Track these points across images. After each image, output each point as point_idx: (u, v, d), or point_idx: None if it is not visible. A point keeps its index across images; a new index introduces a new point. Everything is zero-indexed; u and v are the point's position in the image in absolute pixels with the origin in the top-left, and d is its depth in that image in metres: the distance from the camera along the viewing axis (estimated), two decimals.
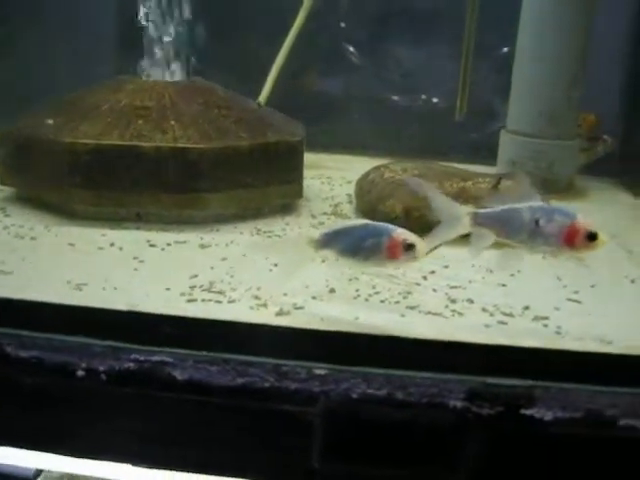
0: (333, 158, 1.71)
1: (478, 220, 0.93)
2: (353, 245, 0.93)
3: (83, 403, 0.90)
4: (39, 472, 1.64)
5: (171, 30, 1.38)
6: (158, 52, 1.38)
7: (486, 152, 1.69)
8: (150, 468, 0.92)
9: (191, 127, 1.25)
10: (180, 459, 0.90)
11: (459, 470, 0.86)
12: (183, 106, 1.29)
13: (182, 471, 0.91)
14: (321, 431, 0.86)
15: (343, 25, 2.01)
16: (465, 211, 0.94)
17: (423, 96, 1.97)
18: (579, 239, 0.88)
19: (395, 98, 1.99)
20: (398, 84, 1.99)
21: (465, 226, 0.94)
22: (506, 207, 0.92)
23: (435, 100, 1.94)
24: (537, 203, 0.91)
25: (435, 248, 0.97)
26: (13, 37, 1.92)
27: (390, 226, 0.92)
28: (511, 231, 0.92)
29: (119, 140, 1.22)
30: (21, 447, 0.95)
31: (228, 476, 0.91)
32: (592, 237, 0.88)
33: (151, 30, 1.37)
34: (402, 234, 0.91)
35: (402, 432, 0.86)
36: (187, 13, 1.38)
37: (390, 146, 1.84)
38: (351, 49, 2.01)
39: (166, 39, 1.37)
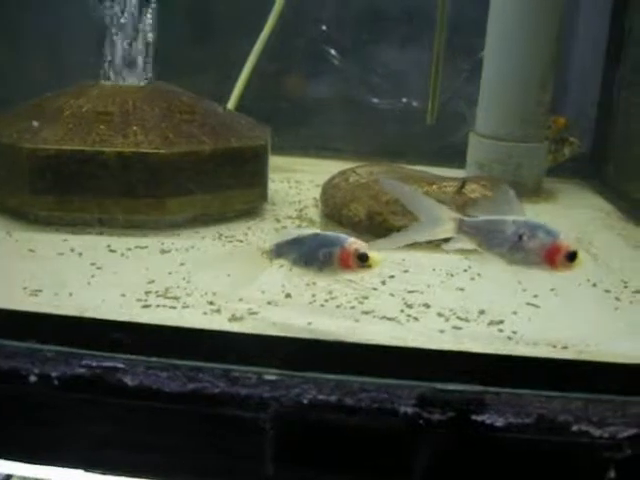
0: (305, 162, 1.71)
1: (463, 227, 0.93)
2: (306, 255, 0.93)
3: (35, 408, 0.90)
4: (8, 477, 1.63)
5: (135, 32, 1.37)
6: (122, 56, 1.37)
7: (456, 155, 1.70)
8: (103, 474, 0.92)
9: (153, 132, 1.25)
10: (132, 465, 0.90)
11: (411, 476, 0.86)
12: (146, 111, 1.28)
13: (134, 477, 0.91)
14: (273, 436, 0.86)
15: (324, 28, 2.01)
16: (451, 216, 0.93)
17: (404, 99, 1.98)
18: (560, 258, 0.88)
19: (371, 101, 1.99)
20: (375, 87, 1.99)
21: (448, 231, 0.94)
22: (491, 218, 0.92)
23: (409, 103, 1.94)
24: (522, 217, 0.91)
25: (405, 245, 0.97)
26: None
27: (342, 236, 0.92)
28: (493, 243, 0.92)
29: (81, 145, 1.21)
30: None
31: None
32: (572, 257, 0.88)
33: (115, 33, 1.36)
34: (353, 244, 0.91)
35: (353, 438, 0.86)
36: (150, 15, 1.37)
37: (362, 149, 1.85)
38: (332, 52, 2.02)
39: (130, 42, 1.37)
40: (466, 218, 0.93)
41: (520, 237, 0.90)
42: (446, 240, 0.96)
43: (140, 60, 1.38)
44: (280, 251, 0.94)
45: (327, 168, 1.64)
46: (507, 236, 0.90)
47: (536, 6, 1.54)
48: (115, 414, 0.88)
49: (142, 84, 1.39)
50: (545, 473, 0.86)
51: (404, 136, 1.88)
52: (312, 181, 1.62)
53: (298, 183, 1.61)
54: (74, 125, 1.25)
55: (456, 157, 1.70)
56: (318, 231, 0.95)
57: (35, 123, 1.26)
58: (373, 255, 0.91)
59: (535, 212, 1.44)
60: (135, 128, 1.25)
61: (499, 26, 1.57)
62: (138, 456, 0.90)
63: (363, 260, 0.90)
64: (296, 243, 0.94)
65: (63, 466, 0.93)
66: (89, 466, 0.92)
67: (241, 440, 0.87)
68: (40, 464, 0.94)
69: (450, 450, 0.87)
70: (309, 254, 0.92)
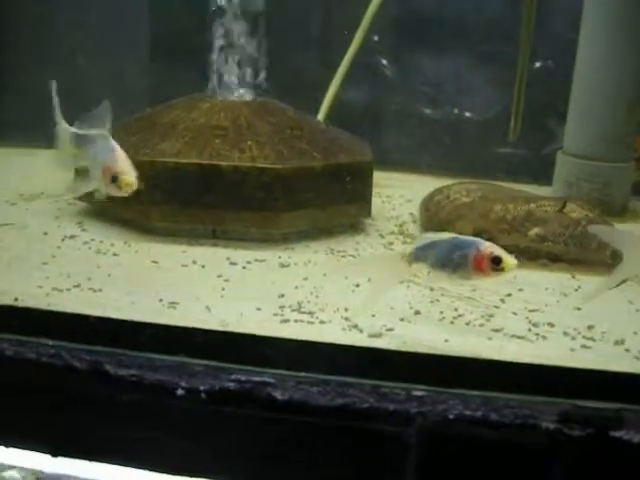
0: (388, 176, 1.72)
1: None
2: (442, 258, 0.95)
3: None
4: None
5: (242, 48, 1.40)
6: (230, 70, 1.40)
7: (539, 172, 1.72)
8: None
9: (267, 147, 1.27)
10: (278, 477, 0.92)
11: None
12: (258, 126, 1.31)
13: None
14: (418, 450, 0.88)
15: (376, 39, 2.02)
16: None
17: (468, 114, 1.99)
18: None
19: (437, 113, 2.01)
20: (440, 98, 2.01)
21: None
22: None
23: (479, 115, 1.96)
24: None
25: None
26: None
27: (479, 240, 0.94)
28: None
29: (198, 159, 1.24)
30: (120, 464, 0.97)
31: None
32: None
33: (222, 48, 1.39)
34: (489, 247, 0.93)
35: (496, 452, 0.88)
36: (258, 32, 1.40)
37: (437, 163, 1.86)
38: (384, 62, 2.03)
39: (237, 57, 1.40)
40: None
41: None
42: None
43: (247, 75, 1.41)
44: (419, 255, 0.97)
45: (411, 183, 1.68)
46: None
47: (627, 26, 1.56)
48: (264, 428, 0.90)
49: (249, 99, 1.41)
50: None
51: (482, 151, 1.90)
52: (402, 196, 1.64)
53: (390, 198, 1.64)
54: (190, 139, 1.28)
55: (538, 174, 1.72)
56: (456, 235, 0.97)
57: (151, 136, 1.29)
58: (507, 259, 0.93)
59: None
60: (250, 143, 1.28)
61: (590, 45, 1.59)
62: (284, 469, 0.92)
63: (497, 263, 0.92)
64: (434, 247, 0.96)
65: (206, 477, 0.95)
66: (231, 477, 0.95)
67: (387, 453, 0.89)
68: (185, 476, 0.96)
69: (588, 465, 0.89)
70: (445, 257, 0.95)
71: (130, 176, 1.00)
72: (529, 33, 1.71)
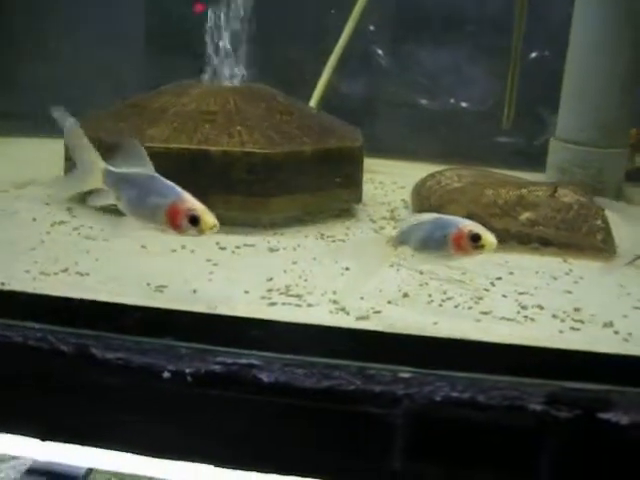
0: (380, 163, 1.72)
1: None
2: (425, 239, 0.95)
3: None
4: (90, 471, 1.66)
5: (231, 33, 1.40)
6: (219, 56, 1.40)
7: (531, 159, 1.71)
8: (234, 469, 0.93)
9: (256, 132, 1.27)
10: (263, 460, 0.92)
11: (537, 473, 0.88)
12: (247, 111, 1.31)
13: (265, 472, 0.93)
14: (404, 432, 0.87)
15: (372, 28, 2.02)
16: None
17: (463, 104, 1.99)
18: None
19: (432, 102, 2.00)
20: (435, 88, 2.01)
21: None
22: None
23: (479, 105, 1.96)
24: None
25: None
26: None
27: (461, 219, 0.94)
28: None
29: (187, 144, 1.24)
30: (108, 448, 0.97)
31: (310, 477, 0.92)
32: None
33: (213, 34, 1.39)
34: (469, 225, 0.92)
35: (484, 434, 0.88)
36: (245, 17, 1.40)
37: (432, 151, 1.86)
38: (380, 52, 2.03)
39: (227, 43, 1.39)
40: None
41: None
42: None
43: (235, 60, 1.40)
44: (404, 237, 0.96)
45: (405, 170, 1.68)
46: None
47: (619, 11, 1.56)
48: (250, 410, 0.90)
49: (238, 84, 1.41)
50: None
51: (476, 139, 1.90)
52: (395, 182, 1.64)
53: (382, 184, 1.63)
54: (179, 124, 1.28)
55: (531, 161, 1.71)
56: (438, 215, 0.96)
57: (140, 122, 1.28)
58: (486, 237, 0.92)
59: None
60: (239, 128, 1.27)
61: (581, 32, 1.58)
62: (269, 451, 0.92)
63: (476, 240, 0.92)
64: (417, 228, 0.96)
65: (195, 461, 0.94)
66: (221, 462, 0.94)
67: (373, 435, 0.89)
68: (174, 460, 0.96)
69: (576, 446, 0.88)
70: (428, 237, 0.94)
71: (211, 216, 0.90)
72: (522, 22, 1.71)
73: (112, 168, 0.95)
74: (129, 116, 1.33)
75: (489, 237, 0.92)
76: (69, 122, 0.96)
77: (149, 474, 1.22)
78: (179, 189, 0.92)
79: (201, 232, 0.89)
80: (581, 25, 1.58)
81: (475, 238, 0.91)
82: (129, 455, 0.96)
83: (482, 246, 0.92)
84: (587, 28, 1.58)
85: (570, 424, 0.87)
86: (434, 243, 0.94)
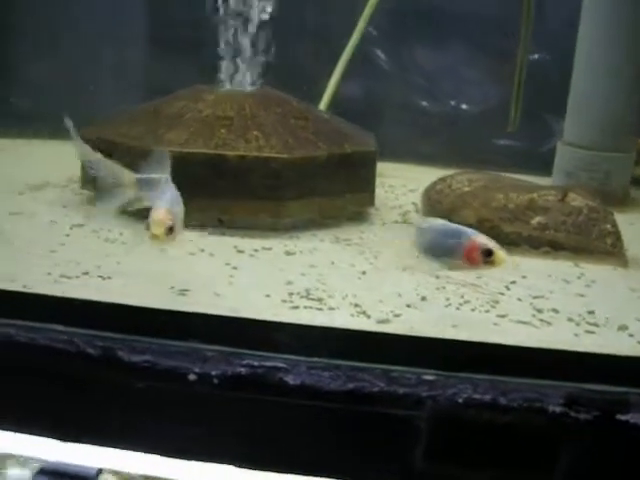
0: (389, 166, 1.74)
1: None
2: (433, 244, 0.96)
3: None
4: (99, 471, 1.67)
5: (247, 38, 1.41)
6: (234, 61, 1.41)
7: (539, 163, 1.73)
8: (259, 470, 0.95)
9: (273, 137, 1.28)
10: (289, 461, 0.94)
11: (557, 473, 0.90)
12: (263, 116, 1.32)
13: (290, 474, 0.95)
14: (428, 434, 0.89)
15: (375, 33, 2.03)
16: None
17: (464, 106, 2.01)
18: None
19: (438, 105, 2.02)
20: (441, 91, 2.02)
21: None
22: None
23: (484, 109, 1.97)
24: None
25: None
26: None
27: (469, 229, 0.96)
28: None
29: (204, 148, 1.25)
30: (134, 450, 0.98)
31: (335, 478, 0.94)
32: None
33: (228, 38, 1.40)
34: (481, 237, 0.94)
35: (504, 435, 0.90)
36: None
37: (438, 154, 1.88)
38: (383, 55, 2.04)
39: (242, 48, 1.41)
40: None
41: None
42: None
43: (251, 65, 1.42)
44: (416, 242, 0.98)
45: (413, 174, 1.70)
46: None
47: (628, 14, 1.57)
48: (276, 412, 0.92)
49: (252, 89, 1.42)
50: None
51: (483, 142, 1.91)
52: (405, 186, 1.66)
53: (392, 188, 1.65)
54: (195, 129, 1.29)
55: (538, 165, 1.73)
56: (444, 221, 0.98)
57: (156, 126, 1.30)
58: (498, 253, 0.94)
59: (627, 220, 1.47)
60: (255, 133, 1.29)
61: (590, 34, 1.60)
62: (294, 452, 0.94)
63: (488, 255, 0.93)
64: (426, 233, 0.97)
65: (220, 463, 0.96)
66: (246, 464, 0.96)
67: (396, 437, 0.91)
68: (197, 461, 0.97)
69: (594, 447, 0.90)
70: (436, 243, 0.96)
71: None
72: (529, 25, 1.72)
73: (140, 175, 0.99)
74: (145, 120, 1.34)
75: (501, 253, 0.93)
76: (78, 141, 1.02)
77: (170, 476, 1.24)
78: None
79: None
80: (588, 27, 1.60)
81: (488, 253, 0.93)
82: (155, 457, 0.97)
83: (492, 262, 0.94)
84: (595, 30, 1.59)
85: (589, 425, 0.88)
86: (443, 250, 0.96)
